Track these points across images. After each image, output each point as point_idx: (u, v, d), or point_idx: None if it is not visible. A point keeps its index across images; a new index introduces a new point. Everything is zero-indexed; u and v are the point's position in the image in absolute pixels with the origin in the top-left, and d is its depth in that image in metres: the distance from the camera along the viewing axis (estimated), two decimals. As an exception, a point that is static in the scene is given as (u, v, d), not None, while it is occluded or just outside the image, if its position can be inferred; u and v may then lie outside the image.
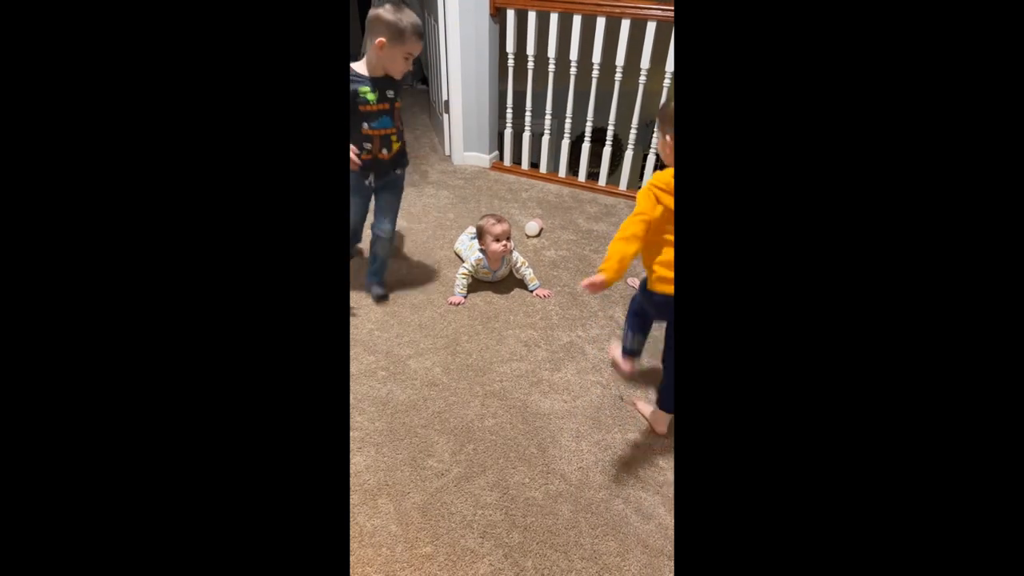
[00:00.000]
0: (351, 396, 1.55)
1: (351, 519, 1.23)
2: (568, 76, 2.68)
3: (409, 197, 2.65)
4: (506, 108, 3.02)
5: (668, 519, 1.26)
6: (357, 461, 1.37)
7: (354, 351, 1.71)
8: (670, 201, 1.21)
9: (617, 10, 2.40)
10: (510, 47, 2.74)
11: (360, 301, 1.93)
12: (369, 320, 1.85)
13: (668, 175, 1.24)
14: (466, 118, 2.92)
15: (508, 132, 3.07)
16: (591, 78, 2.61)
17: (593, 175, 2.90)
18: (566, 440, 1.45)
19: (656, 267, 1.27)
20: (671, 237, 1.24)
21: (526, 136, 2.98)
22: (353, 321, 1.83)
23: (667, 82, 2.43)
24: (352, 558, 1.15)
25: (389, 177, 1.76)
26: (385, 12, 1.48)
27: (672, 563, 1.18)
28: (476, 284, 2.05)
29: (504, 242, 1.90)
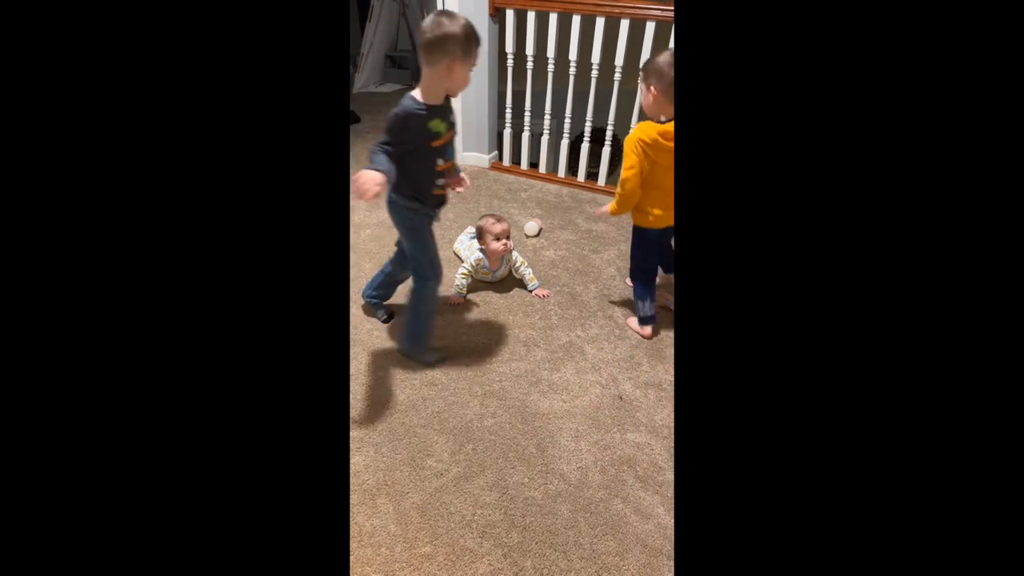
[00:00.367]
0: (351, 396, 1.55)
1: (351, 519, 1.23)
2: (567, 76, 2.68)
3: (408, 197, 2.65)
4: (505, 108, 3.02)
5: (668, 519, 1.26)
6: (356, 461, 1.37)
7: (354, 351, 1.71)
8: (656, 154, 1.51)
9: (616, 10, 2.39)
10: (509, 47, 2.74)
11: (359, 300, 1.93)
12: (369, 320, 1.85)
13: (652, 128, 1.49)
14: (465, 118, 2.92)
15: (507, 132, 3.07)
16: (590, 78, 2.61)
17: (592, 175, 2.90)
18: (565, 440, 1.45)
19: (649, 208, 1.62)
20: (659, 182, 1.57)
21: (525, 136, 2.98)
22: (353, 321, 1.83)
23: (666, 82, 2.43)
24: (351, 558, 1.15)
25: None
26: (450, 25, 1.21)
27: (672, 563, 1.18)
28: (476, 284, 2.05)
29: (504, 241, 1.90)
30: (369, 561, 1.15)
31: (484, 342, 1.78)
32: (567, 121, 2.80)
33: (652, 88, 1.48)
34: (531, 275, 2.03)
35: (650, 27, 2.38)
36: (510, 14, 2.64)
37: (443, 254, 2.23)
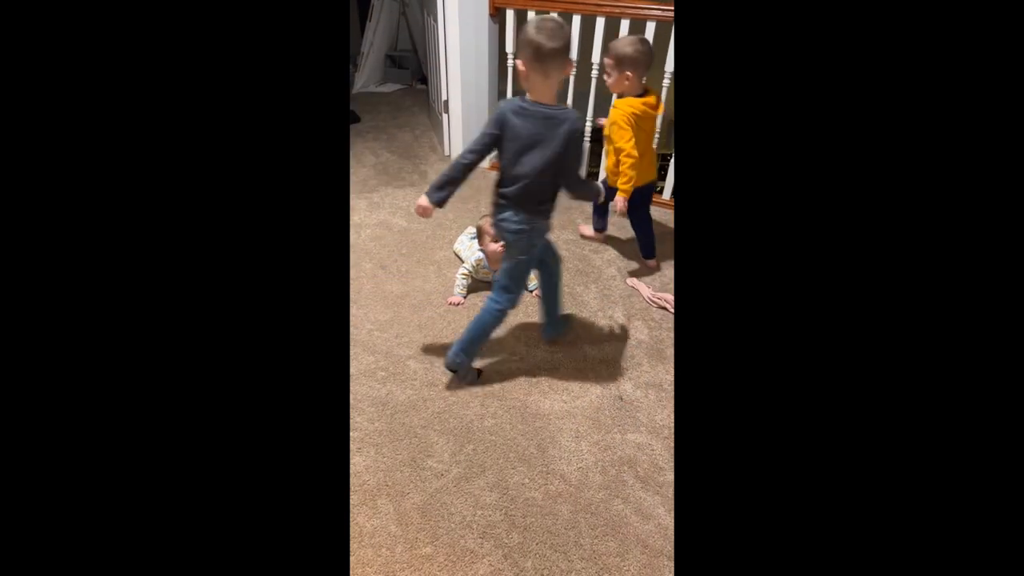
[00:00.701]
0: (351, 396, 1.55)
1: (351, 519, 1.23)
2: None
3: (409, 197, 2.65)
4: (506, 108, 3.01)
5: (668, 519, 1.26)
6: (357, 462, 1.36)
7: (354, 351, 1.71)
8: (640, 123, 1.80)
9: (617, 10, 2.39)
10: (510, 47, 2.74)
11: (359, 301, 1.93)
12: (369, 320, 1.85)
13: (636, 101, 1.78)
14: (465, 118, 2.92)
15: (508, 132, 3.06)
16: (590, 78, 2.61)
17: (593, 175, 2.90)
18: (565, 440, 1.45)
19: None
20: (643, 149, 1.82)
21: (526, 136, 2.98)
22: (353, 321, 1.83)
23: (667, 82, 2.43)
24: (352, 558, 1.15)
25: None
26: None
27: (672, 563, 1.17)
28: (476, 284, 2.05)
29: (503, 242, 1.89)
30: (369, 562, 1.15)
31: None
32: (567, 121, 2.79)
33: (628, 73, 1.75)
34: (531, 275, 2.03)
35: (650, 27, 2.38)
36: (510, 14, 2.64)
37: (443, 254, 2.24)
